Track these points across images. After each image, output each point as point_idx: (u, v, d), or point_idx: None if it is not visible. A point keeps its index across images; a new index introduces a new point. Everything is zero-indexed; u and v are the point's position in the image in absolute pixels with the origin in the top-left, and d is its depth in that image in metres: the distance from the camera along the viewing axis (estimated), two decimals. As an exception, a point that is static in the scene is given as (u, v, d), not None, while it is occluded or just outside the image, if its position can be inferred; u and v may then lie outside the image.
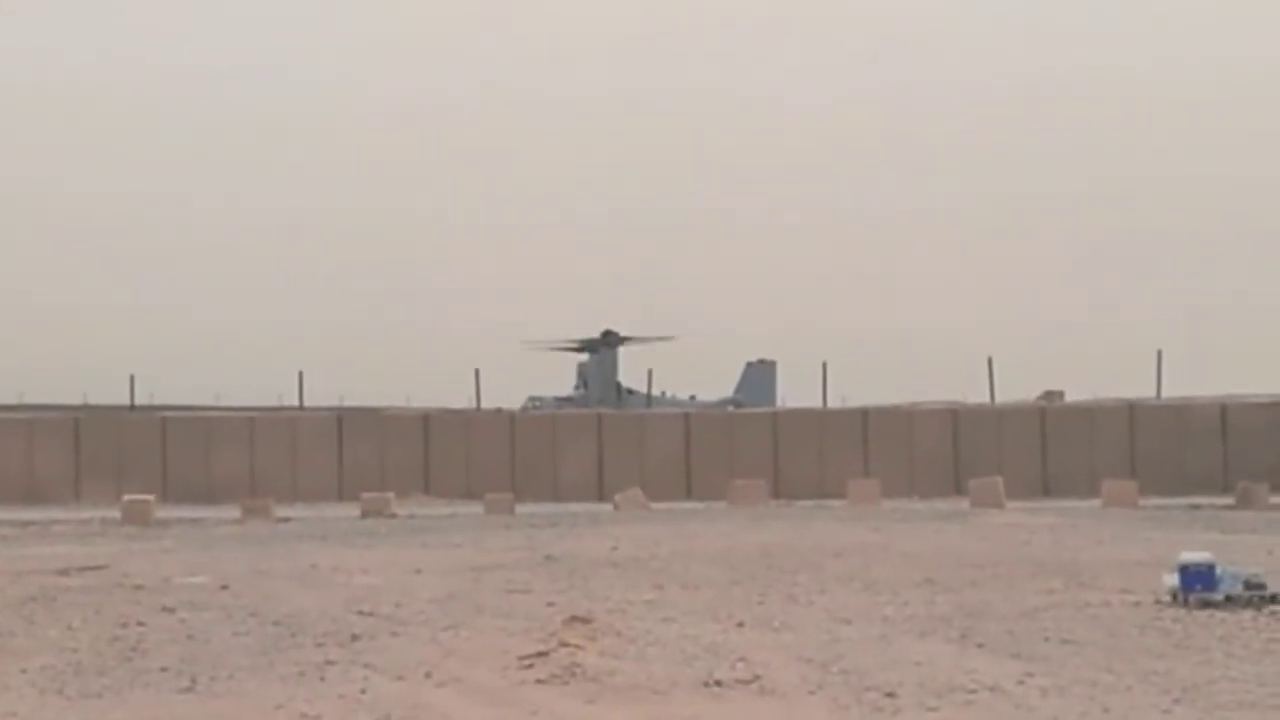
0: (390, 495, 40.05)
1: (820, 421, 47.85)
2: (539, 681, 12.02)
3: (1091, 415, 47.44)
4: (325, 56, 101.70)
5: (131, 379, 50.37)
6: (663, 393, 59.54)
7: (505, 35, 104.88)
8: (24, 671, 12.94)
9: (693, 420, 48.88)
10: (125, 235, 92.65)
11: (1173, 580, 16.35)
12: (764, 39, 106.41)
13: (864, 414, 48.21)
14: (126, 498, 38.41)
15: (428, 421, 47.91)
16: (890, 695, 11.32)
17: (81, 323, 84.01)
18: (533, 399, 62.14)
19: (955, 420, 47.38)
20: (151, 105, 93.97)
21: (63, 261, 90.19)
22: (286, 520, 36.46)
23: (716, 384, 67.22)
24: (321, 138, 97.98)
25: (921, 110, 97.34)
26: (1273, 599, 15.92)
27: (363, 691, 11.74)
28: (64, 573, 21.15)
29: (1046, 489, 44.36)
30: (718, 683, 11.90)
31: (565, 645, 13.39)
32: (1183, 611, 15.62)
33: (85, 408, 53.65)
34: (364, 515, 37.28)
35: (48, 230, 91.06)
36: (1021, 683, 11.77)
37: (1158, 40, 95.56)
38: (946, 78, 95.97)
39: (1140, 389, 49.96)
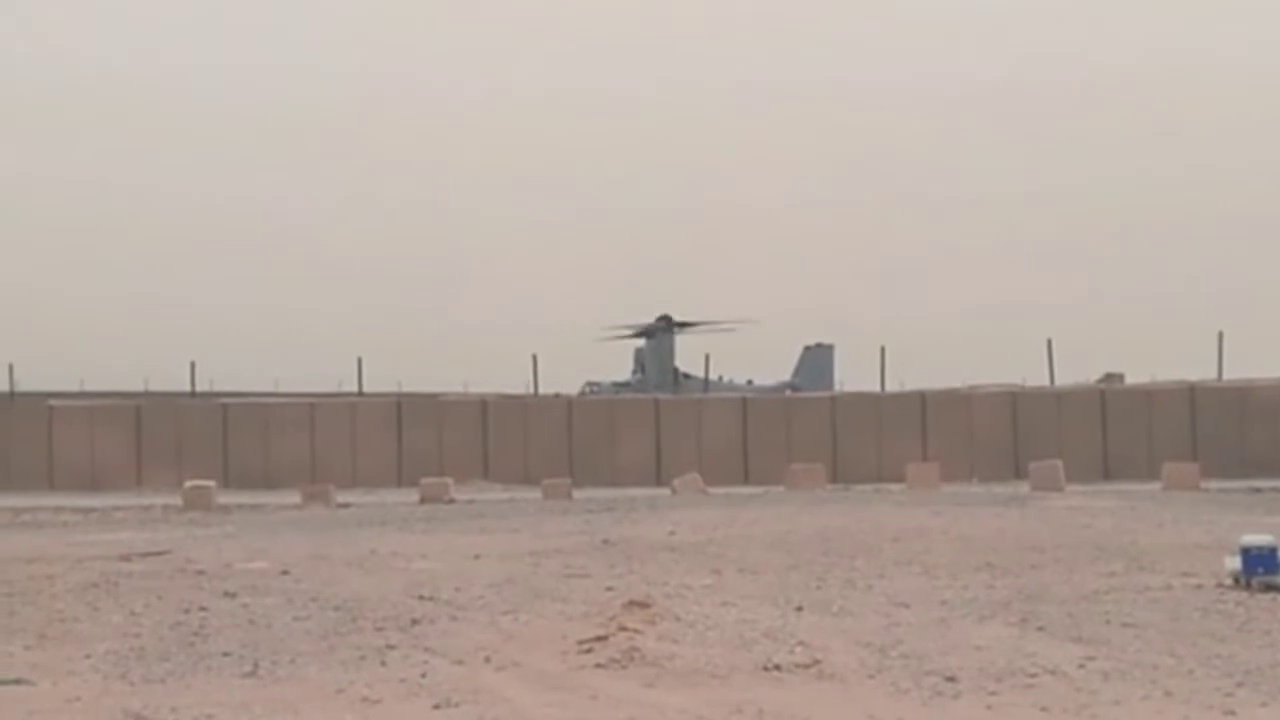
0: (449, 481, 40.23)
1: (878, 405, 47.76)
2: (598, 666, 12.02)
3: (1152, 397, 47.06)
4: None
5: (192, 366, 50.86)
6: (720, 377, 59.35)
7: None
8: (88, 657, 13.04)
9: (750, 404, 48.87)
10: (183, 228, 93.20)
11: (1235, 563, 16.22)
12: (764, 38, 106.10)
13: (922, 397, 48.03)
14: (187, 484, 38.69)
15: (486, 407, 48.09)
16: (950, 679, 11.27)
17: (141, 311, 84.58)
18: (590, 384, 62.06)
19: (1014, 403, 47.16)
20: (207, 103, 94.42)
21: (120, 252, 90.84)
22: (346, 506, 36.70)
23: (774, 368, 66.85)
24: (364, 130, 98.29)
25: (965, 98, 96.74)
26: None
27: (423, 676, 11.79)
28: (126, 559, 21.35)
29: (1106, 472, 44.12)
30: (776, 667, 11.88)
31: (624, 629, 13.39)
32: (1245, 595, 15.50)
33: (146, 395, 53.79)
34: (423, 501, 37.45)
35: (103, 223, 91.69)
36: (1082, 666, 11.70)
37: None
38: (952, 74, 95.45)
39: (1201, 371, 49.57)
